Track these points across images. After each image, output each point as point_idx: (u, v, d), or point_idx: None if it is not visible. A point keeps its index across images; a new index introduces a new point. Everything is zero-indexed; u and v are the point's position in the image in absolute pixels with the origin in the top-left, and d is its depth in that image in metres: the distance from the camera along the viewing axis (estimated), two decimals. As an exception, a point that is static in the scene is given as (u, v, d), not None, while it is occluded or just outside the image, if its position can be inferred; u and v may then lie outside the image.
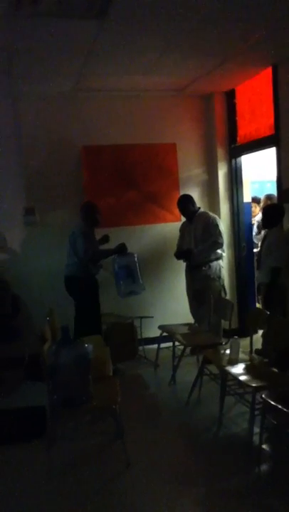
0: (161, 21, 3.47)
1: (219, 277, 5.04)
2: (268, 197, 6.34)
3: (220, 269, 5.04)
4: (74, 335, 4.27)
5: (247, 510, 2.63)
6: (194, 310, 5.19)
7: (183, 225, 5.27)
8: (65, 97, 5.17)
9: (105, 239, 4.96)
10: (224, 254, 5.12)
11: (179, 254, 5.13)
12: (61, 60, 4.16)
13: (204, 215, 5.08)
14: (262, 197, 6.70)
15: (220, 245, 4.94)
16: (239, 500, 2.72)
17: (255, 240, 6.01)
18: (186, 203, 5.09)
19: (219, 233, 4.93)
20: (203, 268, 4.96)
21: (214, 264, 5.00)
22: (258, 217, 6.10)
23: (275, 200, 5.45)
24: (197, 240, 4.96)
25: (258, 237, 5.90)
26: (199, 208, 5.16)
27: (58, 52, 3.97)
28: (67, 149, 5.30)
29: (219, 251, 4.98)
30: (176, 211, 5.48)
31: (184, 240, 5.14)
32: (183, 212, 5.15)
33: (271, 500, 2.70)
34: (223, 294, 4.98)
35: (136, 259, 5.01)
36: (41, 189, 5.26)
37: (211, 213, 5.16)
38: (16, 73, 4.39)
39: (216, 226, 4.95)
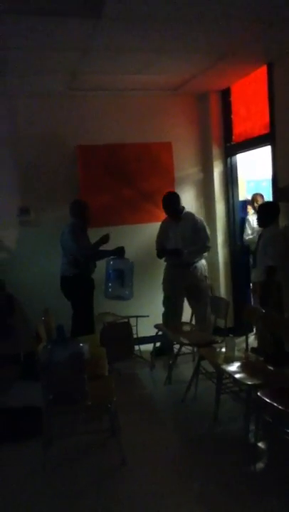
0: (155, 20, 3.47)
1: (206, 277, 5.05)
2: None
3: (205, 269, 5.05)
4: (71, 334, 4.28)
5: (242, 505, 2.63)
6: (171, 307, 5.12)
7: (165, 223, 5.15)
8: (59, 95, 5.16)
9: (105, 239, 4.86)
10: (206, 255, 5.10)
11: (169, 253, 5.00)
12: (55, 59, 4.14)
13: (191, 216, 5.04)
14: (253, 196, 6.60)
15: (208, 249, 4.99)
16: (235, 496, 2.72)
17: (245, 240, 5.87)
18: (174, 201, 4.99)
19: (207, 237, 4.96)
20: (190, 269, 4.95)
21: (199, 264, 5.00)
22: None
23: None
24: (186, 241, 4.90)
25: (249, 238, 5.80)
26: (184, 207, 5.08)
27: (52, 51, 3.96)
28: (63, 148, 5.29)
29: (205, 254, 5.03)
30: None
31: (169, 239, 5.02)
32: (169, 209, 5.01)
33: (266, 496, 2.70)
34: (210, 293, 5.01)
35: (132, 265, 5.00)
36: (36, 188, 5.26)
37: (196, 215, 5.14)
38: (11, 71, 4.38)
39: (205, 229, 4.96)
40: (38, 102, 5.15)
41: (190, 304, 5.11)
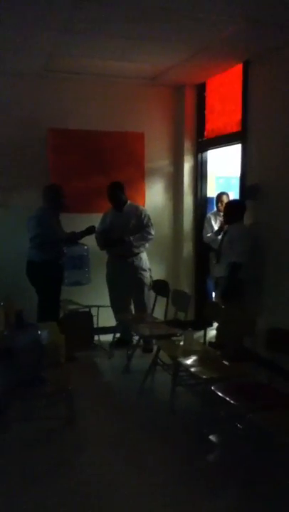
0: (136, 8, 3.43)
1: (150, 268, 5.10)
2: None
3: (147, 260, 5.10)
4: (37, 321, 4.28)
5: (196, 496, 2.68)
6: (119, 299, 5.15)
7: (108, 213, 5.13)
8: (35, 76, 5.04)
9: (91, 229, 4.85)
10: (147, 246, 5.11)
11: (112, 243, 4.96)
12: (32, 37, 4.03)
13: (135, 206, 5.08)
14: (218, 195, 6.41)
15: (152, 236, 5.00)
16: (189, 487, 2.77)
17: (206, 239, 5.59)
18: (119, 191, 4.97)
19: (152, 224, 5.00)
20: (134, 259, 4.98)
21: (143, 255, 5.06)
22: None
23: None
24: (130, 231, 4.92)
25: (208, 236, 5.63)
26: (127, 199, 5.06)
27: (28, 29, 3.86)
28: (35, 130, 5.18)
29: (147, 244, 5.06)
30: (141, 200, 5.51)
31: (112, 230, 4.98)
32: (113, 199, 4.99)
33: (218, 488, 2.76)
34: (151, 284, 5.06)
35: (87, 250, 5.03)
36: (5, 170, 5.13)
37: (140, 206, 5.20)
38: (-17, 47, 4.25)
39: (149, 218, 5.00)
40: (11, 81, 5.00)
41: (129, 291, 5.12)
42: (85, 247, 5.05)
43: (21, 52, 4.41)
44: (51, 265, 4.69)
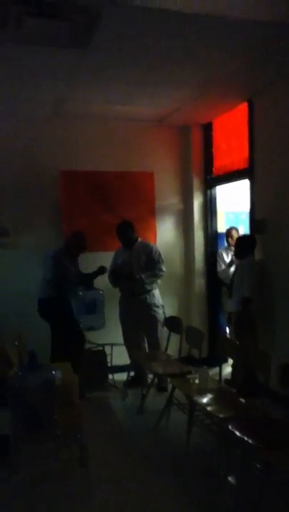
0: (140, 54, 3.58)
1: (162, 305, 5.08)
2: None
3: (159, 297, 5.08)
4: (50, 358, 4.33)
5: None
6: (132, 337, 5.11)
7: (118, 252, 5.15)
8: (45, 119, 5.21)
9: (102, 270, 4.93)
10: (159, 282, 5.11)
11: (123, 278, 4.95)
12: (42, 85, 4.21)
13: (146, 244, 5.09)
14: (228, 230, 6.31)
15: (163, 273, 5.00)
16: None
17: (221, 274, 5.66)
18: (129, 229, 5.01)
19: (163, 262, 4.99)
20: (147, 296, 4.97)
21: (156, 292, 5.04)
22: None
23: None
24: (141, 269, 4.92)
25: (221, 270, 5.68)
26: (138, 237, 5.10)
27: (39, 77, 4.03)
28: (45, 172, 5.30)
29: (159, 280, 5.05)
30: (152, 237, 5.55)
31: (123, 267, 4.99)
32: (123, 238, 5.03)
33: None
34: (163, 321, 5.02)
35: (101, 295, 5.05)
36: (17, 210, 5.24)
37: (151, 243, 5.22)
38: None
39: (160, 255, 5.01)
40: (23, 125, 5.16)
41: (142, 328, 5.09)
42: (100, 292, 5.05)
43: (32, 97, 4.58)
44: (58, 302, 4.72)
